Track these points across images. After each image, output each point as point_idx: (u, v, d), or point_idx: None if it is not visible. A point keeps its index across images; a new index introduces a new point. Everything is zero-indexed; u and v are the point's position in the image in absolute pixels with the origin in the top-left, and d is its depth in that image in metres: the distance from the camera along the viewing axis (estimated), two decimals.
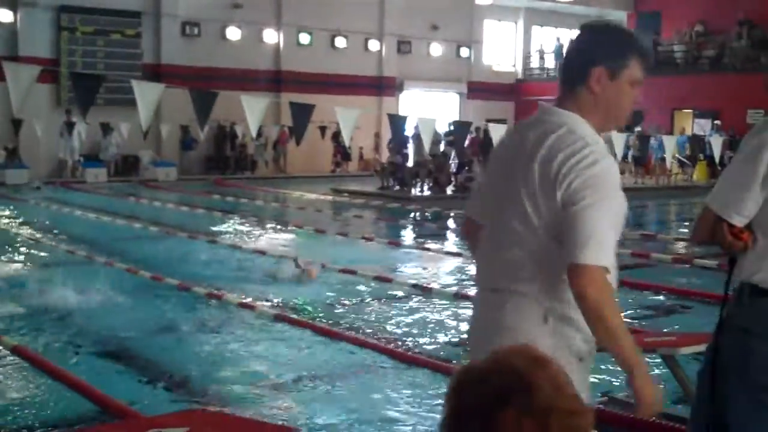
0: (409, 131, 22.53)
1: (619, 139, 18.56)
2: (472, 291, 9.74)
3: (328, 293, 9.73)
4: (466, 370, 1.46)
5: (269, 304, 9.01)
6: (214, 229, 15.58)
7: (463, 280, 10.76)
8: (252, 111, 12.41)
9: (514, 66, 37.17)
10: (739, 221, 2.71)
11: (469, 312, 8.84)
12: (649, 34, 34.11)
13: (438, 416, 4.68)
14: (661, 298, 9.59)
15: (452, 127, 20.11)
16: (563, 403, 1.38)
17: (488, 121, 24.09)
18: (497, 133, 16.45)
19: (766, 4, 29.42)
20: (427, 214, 19.45)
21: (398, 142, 19.52)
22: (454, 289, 10.01)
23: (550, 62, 36.52)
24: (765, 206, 2.67)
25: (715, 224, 2.75)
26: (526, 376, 1.39)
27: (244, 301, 9.02)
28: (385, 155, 26.84)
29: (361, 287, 10.05)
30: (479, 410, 1.38)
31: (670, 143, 19.63)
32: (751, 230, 2.73)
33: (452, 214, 18.78)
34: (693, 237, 2.96)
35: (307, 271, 10.23)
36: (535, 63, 37.37)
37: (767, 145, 2.67)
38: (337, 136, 26.15)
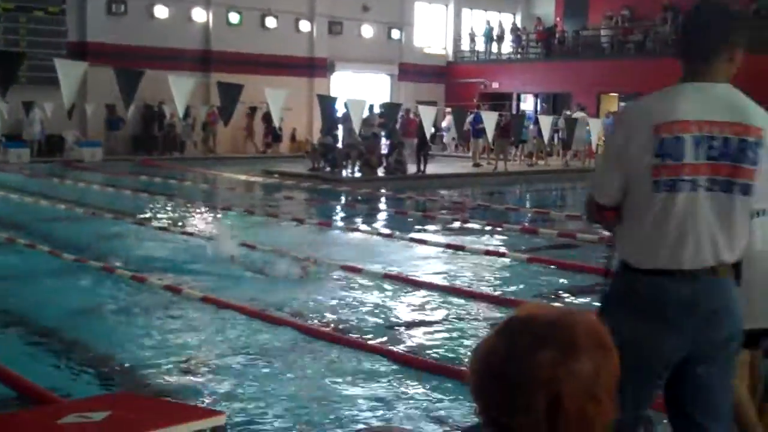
0: (340, 112, 22.48)
1: (546, 121, 18.80)
2: (401, 272, 9.84)
3: (257, 275, 9.66)
4: (532, 314, 1.46)
5: (196, 286, 8.90)
6: (141, 210, 15.32)
7: (391, 261, 10.80)
8: (179, 91, 12.23)
9: (445, 48, 37.31)
10: (604, 200, 2.85)
11: (395, 292, 8.85)
12: (576, 19, 34.64)
13: (370, 396, 4.70)
14: (586, 276, 9.78)
15: (382, 109, 20.11)
16: (592, 387, 1.39)
17: (419, 102, 24.20)
18: (428, 115, 16.57)
19: None
20: (357, 195, 19.45)
21: (328, 123, 19.43)
22: (382, 270, 10.03)
23: (481, 45, 36.77)
24: (627, 187, 2.76)
25: (591, 204, 2.92)
26: (574, 344, 1.39)
27: (169, 283, 8.90)
28: (316, 136, 26.72)
29: (291, 268, 9.99)
30: (524, 341, 1.40)
31: (595, 126, 19.97)
32: (616, 209, 2.84)
33: (383, 196, 18.83)
34: (586, 217, 3.07)
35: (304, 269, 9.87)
36: (465, 46, 37.56)
37: (618, 128, 2.84)
38: (267, 116, 25.92)
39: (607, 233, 3.07)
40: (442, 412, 5.42)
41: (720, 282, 2.75)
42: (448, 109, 26.48)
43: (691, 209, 2.70)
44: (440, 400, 5.62)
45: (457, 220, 15.27)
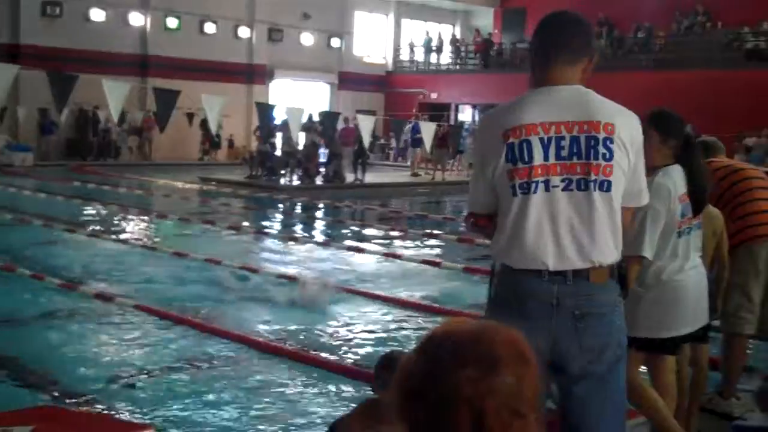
0: (278, 120, 22.37)
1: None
2: (339, 281, 9.79)
3: (192, 284, 9.53)
4: (451, 330, 1.44)
5: (127, 295, 8.73)
6: (73, 217, 15.00)
7: (327, 270, 10.76)
8: (114, 95, 12.05)
9: (385, 58, 37.42)
10: (475, 209, 2.93)
11: (332, 301, 8.78)
12: (514, 31, 35.04)
13: (298, 405, 4.64)
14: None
15: (321, 118, 20.10)
16: (515, 402, 1.37)
17: (358, 112, 24.24)
18: (366, 124, 16.62)
19: (625, 5, 30.66)
20: (296, 203, 19.35)
21: (265, 130, 19.33)
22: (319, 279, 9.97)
23: (420, 55, 36.97)
24: (497, 194, 2.81)
25: (467, 213, 3.01)
26: (494, 358, 1.38)
27: (101, 291, 8.72)
28: (254, 144, 26.52)
29: (226, 277, 9.88)
30: (442, 358, 1.38)
31: None
32: (489, 217, 2.89)
33: (321, 204, 18.78)
34: (468, 228, 3.15)
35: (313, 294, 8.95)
36: (405, 56, 37.72)
37: (476, 139, 2.94)
38: (205, 123, 25.67)
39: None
40: None
41: (590, 286, 2.74)
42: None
43: (548, 210, 2.71)
44: None
45: (394, 229, 15.29)
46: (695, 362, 4.69)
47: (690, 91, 24.77)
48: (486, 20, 37.41)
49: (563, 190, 2.72)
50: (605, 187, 2.72)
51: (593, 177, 2.71)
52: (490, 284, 2.96)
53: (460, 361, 1.37)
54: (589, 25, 2.97)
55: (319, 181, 22.69)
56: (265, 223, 16.14)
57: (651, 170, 3.39)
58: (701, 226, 4.19)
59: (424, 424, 1.38)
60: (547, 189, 2.71)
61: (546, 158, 2.71)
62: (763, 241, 4.88)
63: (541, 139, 2.71)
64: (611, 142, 2.71)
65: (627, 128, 2.77)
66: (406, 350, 3.79)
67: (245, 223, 15.22)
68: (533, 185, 2.71)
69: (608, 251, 2.75)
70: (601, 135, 2.71)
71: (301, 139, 22.78)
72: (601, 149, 2.71)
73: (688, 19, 30.28)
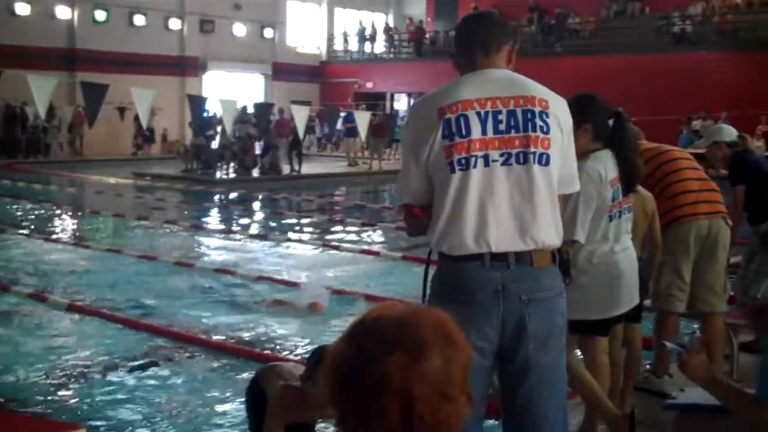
0: (212, 112, 22.13)
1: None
2: (275, 274, 9.74)
3: (128, 280, 9.37)
4: (377, 316, 1.43)
5: (60, 294, 8.56)
6: (3, 216, 14.63)
7: (266, 262, 10.70)
8: (40, 91, 11.78)
9: (319, 48, 37.27)
10: (409, 199, 2.85)
11: (269, 293, 8.73)
12: (446, 19, 35.19)
13: (238, 402, 4.59)
14: None
15: (255, 109, 19.93)
16: (443, 386, 1.37)
17: (294, 102, 24.10)
18: (300, 114, 16.53)
19: None
20: (232, 196, 19.17)
21: (198, 123, 19.08)
22: (258, 272, 9.92)
23: (354, 45, 36.91)
24: (431, 178, 2.76)
25: (401, 206, 2.92)
26: (423, 341, 1.37)
27: (33, 292, 8.53)
28: (189, 137, 26.20)
29: (163, 273, 9.75)
30: (370, 345, 1.37)
31: None
32: (424, 208, 2.83)
33: (258, 197, 18.64)
34: (402, 218, 3.01)
35: (315, 303, 8.29)
36: (339, 45, 37.62)
37: (408, 122, 2.85)
38: (137, 117, 25.26)
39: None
40: None
41: (535, 271, 2.71)
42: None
43: (488, 185, 2.68)
44: None
45: (332, 220, 15.26)
46: (628, 342, 4.77)
47: (621, 76, 25.22)
48: (419, 8, 37.51)
49: (502, 164, 2.68)
50: (544, 160, 2.70)
51: (532, 149, 2.69)
52: (425, 276, 2.89)
53: (387, 347, 1.36)
54: (502, 19, 3.05)
55: (255, 173, 22.52)
56: (201, 217, 15.97)
57: (581, 156, 3.42)
58: (632, 208, 4.26)
59: (355, 413, 1.38)
60: (486, 164, 2.67)
61: (484, 132, 2.68)
62: (691, 219, 4.98)
63: (478, 114, 2.68)
64: (547, 116, 2.72)
65: (560, 108, 2.79)
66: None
67: (181, 218, 15.03)
68: (472, 160, 2.66)
69: (549, 230, 2.73)
70: (537, 108, 2.71)
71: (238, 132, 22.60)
72: (539, 122, 2.70)
73: (617, 5, 30.77)
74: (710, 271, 5.07)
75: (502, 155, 2.68)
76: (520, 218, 2.67)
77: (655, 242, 4.75)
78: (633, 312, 4.43)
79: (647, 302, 4.96)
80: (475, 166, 2.66)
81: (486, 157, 2.67)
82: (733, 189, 5.72)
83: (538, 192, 2.69)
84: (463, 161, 2.66)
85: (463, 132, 2.66)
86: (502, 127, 2.68)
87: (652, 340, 5.29)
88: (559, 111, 2.77)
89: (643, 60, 26.36)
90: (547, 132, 2.71)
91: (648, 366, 5.33)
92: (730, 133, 6.07)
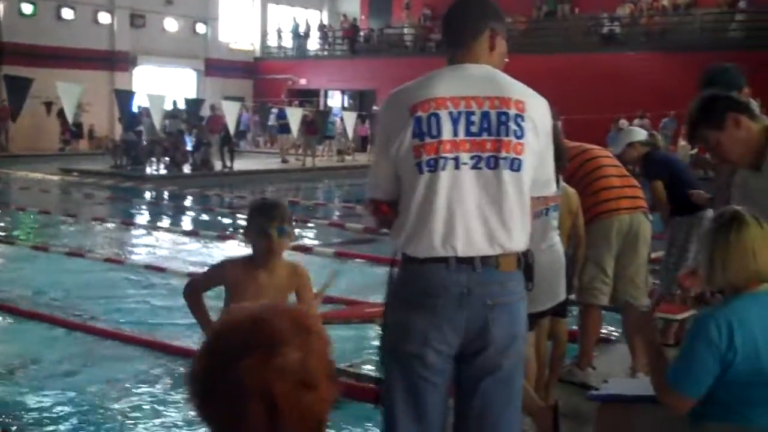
0: (143, 107, 21.80)
1: (350, 117, 18.96)
2: (204, 269, 9.64)
3: (53, 278, 9.19)
4: (229, 318, 1.44)
5: None
6: None
7: (197, 259, 10.59)
8: None
9: (252, 44, 36.99)
10: (377, 195, 2.78)
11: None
12: (381, 17, 35.28)
13: (157, 395, 4.54)
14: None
15: (186, 105, 19.70)
16: (303, 377, 1.38)
17: (227, 98, 23.87)
18: (231, 111, 16.38)
19: None
20: (163, 193, 18.92)
21: (127, 118, 18.79)
22: (189, 268, 9.81)
23: (288, 41, 36.73)
24: (399, 176, 2.69)
25: (368, 201, 2.85)
26: (278, 337, 1.38)
27: None
28: (118, 132, 25.76)
29: (91, 270, 9.59)
30: (225, 350, 1.38)
31: None
32: (392, 204, 2.76)
33: (189, 193, 18.43)
34: (370, 214, 2.95)
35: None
36: (273, 42, 37.39)
37: (380, 117, 2.78)
38: (63, 112, 24.74)
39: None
40: None
41: (500, 274, 2.64)
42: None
43: (456, 188, 2.59)
44: None
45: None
46: (554, 336, 4.85)
47: (551, 76, 25.56)
48: (353, 6, 37.48)
49: (472, 168, 2.59)
50: (516, 166, 2.60)
51: (504, 154, 2.59)
52: (390, 277, 2.80)
53: (239, 351, 1.37)
54: (485, 2, 2.86)
55: (186, 169, 22.25)
56: (130, 214, 15.71)
57: None
58: (558, 207, 4.35)
59: (220, 422, 1.39)
60: (456, 167, 2.58)
61: (455, 134, 2.58)
62: (613, 214, 5.11)
63: (451, 114, 2.59)
64: (522, 119, 2.61)
65: (538, 110, 2.68)
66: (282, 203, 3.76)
67: (110, 215, 14.78)
68: (441, 162, 2.57)
69: (517, 236, 2.65)
70: (512, 111, 2.61)
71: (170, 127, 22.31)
72: (513, 126, 2.60)
73: (547, 5, 31.22)
74: (632, 264, 5.20)
75: (472, 158, 2.59)
76: (488, 223, 2.60)
77: (579, 238, 4.85)
78: (559, 306, 4.52)
79: (573, 297, 5.06)
80: (444, 168, 2.58)
81: (456, 160, 2.58)
82: (651, 185, 5.89)
83: (508, 197, 2.60)
84: (432, 162, 2.58)
85: (434, 132, 2.58)
86: (474, 129, 2.59)
87: (576, 333, 5.40)
88: (536, 113, 2.67)
89: (572, 60, 26.81)
90: (521, 137, 2.61)
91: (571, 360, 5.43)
92: (640, 133, 6.33)
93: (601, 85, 25.55)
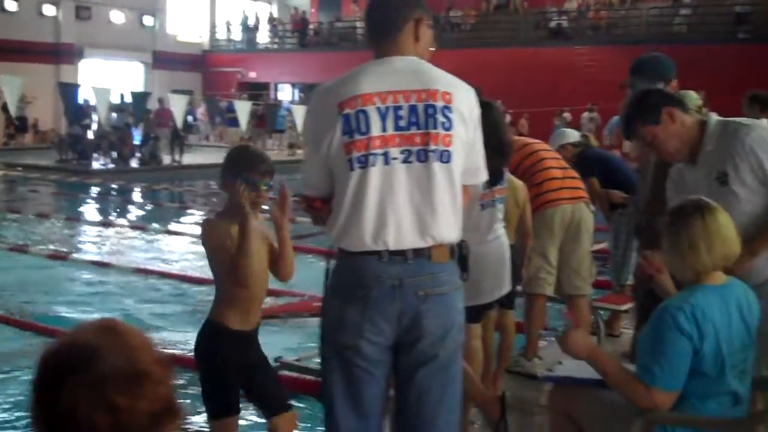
0: (90, 101, 21.46)
1: (300, 110, 18.86)
2: (153, 265, 9.56)
3: None
4: (42, 357, 1.41)
5: None
6: None
7: (144, 255, 10.48)
8: None
9: (201, 37, 36.61)
10: (310, 191, 2.77)
11: (148, 287, 8.55)
12: (330, 10, 35.19)
13: None
14: None
15: (132, 98, 19.44)
16: (129, 369, 1.37)
17: (175, 92, 23.61)
18: (179, 104, 16.19)
19: None
20: (110, 187, 18.65)
21: (72, 112, 18.46)
22: (136, 264, 9.71)
23: (237, 34, 36.44)
24: (332, 173, 2.67)
25: (302, 197, 2.84)
26: (89, 349, 1.37)
27: None
28: (64, 126, 25.32)
29: (33, 266, 9.42)
30: (44, 385, 1.36)
31: None
32: (325, 200, 2.74)
33: (137, 188, 18.21)
34: (304, 209, 2.92)
35: None
36: (222, 35, 37.06)
37: (308, 113, 2.75)
38: (6, 106, 24.23)
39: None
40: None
41: (432, 266, 2.64)
42: None
43: (388, 183, 2.59)
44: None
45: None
46: (501, 327, 4.89)
47: (500, 69, 25.75)
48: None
49: (403, 162, 2.59)
50: (445, 158, 2.61)
51: (433, 147, 2.59)
52: (326, 270, 2.80)
53: (62, 377, 1.35)
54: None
55: (134, 164, 21.96)
56: (76, 209, 15.47)
57: None
58: (504, 198, 4.38)
59: None
60: (386, 162, 2.58)
61: (384, 129, 2.58)
62: (555, 204, 5.18)
63: (378, 109, 2.58)
64: (450, 111, 2.61)
65: (465, 100, 2.68)
66: None
67: (55, 210, 14.54)
68: (372, 158, 2.57)
69: (449, 227, 2.65)
70: (439, 103, 2.60)
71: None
72: (440, 118, 2.60)
73: None
74: (575, 254, 5.27)
75: (402, 153, 2.59)
76: (420, 217, 2.60)
77: (525, 230, 4.89)
78: (506, 298, 4.56)
79: (520, 288, 5.10)
80: (374, 164, 2.58)
81: (386, 155, 2.58)
82: (587, 182, 5.97)
83: (439, 190, 2.61)
84: (363, 159, 2.58)
85: (363, 129, 2.57)
86: (402, 123, 2.59)
87: (523, 324, 5.44)
88: (464, 103, 2.67)
89: (521, 54, 27.01)
90: (449, 128, 2.61)
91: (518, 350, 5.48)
92: (572, 134, 6.51)
93: (550, 79, 25.79)
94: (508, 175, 4.47)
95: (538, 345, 5.46)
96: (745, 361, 2.75)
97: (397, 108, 2.60)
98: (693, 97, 6.63)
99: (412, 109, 2.60)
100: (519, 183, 4.77)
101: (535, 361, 5.32)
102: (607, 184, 6.02)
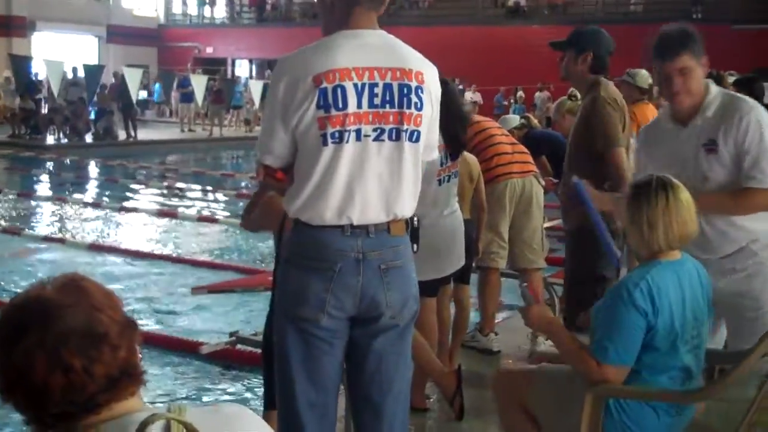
0: (42, 75, 21.09)
1: (257, 86, 18.72)
2: (109, 241, 9.47)
3: None
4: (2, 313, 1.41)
5: None
6: None
7: (99, 230, 10.36)
8: None
9: (156, 11, 36.10)
10: (271, 161, 2.68)
11: (101, 263, 8.45)
12: None
13: None
14: None
15: (85, 72, 19.12)
16: (87, 330, 1.36)
17: (129, 66, 23.28)
18: (133, 78, 15.94)
19: None
20: (64, 163, 18.36)
21: (23, 85, 18.12)
22: (90, 239, 9.60)
23: (194, 8, 36.00)
24: (297, 143, 2.62)
25: (260, 167, 2.73)
26: (49, 307, 1.36)
27: None
28: (16, 100, 24.84)
29: None
30: (2, 340, 1.36)
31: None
32: (286, 170, 2.69)
33: (92, 163, 17.96)
34: (258, 182, 2.89)
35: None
36: (177, 9, 36.57)
37: (277, 82, 2.63)
38: None
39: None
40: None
41: (392, 239, 2.66)
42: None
43: (359, 160, 2.57)
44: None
45: (170, 187, 14.92)
46: (457, 302, 4.93)
47: (458, 48, 25.77)
48: None
49: (374, 140, 2.57)
50: (415, 137, 2.62)
51: (405, 126, 2.59)
52: (278, 242, 2.78)
53: (18, 333, 1.36)
54: None
55: (89, 139, 21.63)
56: (29, 184, 15.24)
57: None
58: (458, 174, 4.40)
59: (30, 410, 1.39)
60: (358, 138, 2.55)
61: (359, 105, 2.54)
62: (506, 178, 5.23)
63: (355, 85, 2.53)
64: (422, 91, 2.61)
65: (434, 80, 2.69)
66: None
67: (7, 185, 14.30)
68: (346, 134, 2.53)
69: (409, 204, 2.68)
70: (414, 83, 2.60)
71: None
72: (414, 98, 2.59)
73: None
74: (527, 227, 5.31)
75: (375, 130, 2.57)
76: (387, 194, 2.61)
77: (480, 205, 4.92)
78: (461, 272, 4.59)
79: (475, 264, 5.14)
80: (347, 141, 2.54)
81: (359, 132, 2.55)
82: (537, 162, 6.03)
83: (407, 169, 2.62)
84: (337, 135, 2.53)
85: (340, 105, 2.52)
86: (377, 101, 2.56)
87: (478, 299, 5.48)
88: (433, 83, 2.67)
89: (479, 32, 27.05)
90: (421, 108, 2.61)
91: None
92: (512, 119, 6.72)
93: (508, 58, 25.88)
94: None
95: (494, 320, 5.51)
96: (698, 336, 2.79)
97: (373, 85, 2.57)
98: (644, 76, 6.77)
99: (387, 87, 2.58)
100: (472, 158, 4.81)
101: (491, 336, 5.37)
102: (556, 161, 6.09)
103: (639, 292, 2.66)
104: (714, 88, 3.24)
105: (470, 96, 24.22)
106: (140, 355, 1.46)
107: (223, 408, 1.54)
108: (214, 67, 32.45)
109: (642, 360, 2.71)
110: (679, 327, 2.70)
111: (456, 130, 4.17)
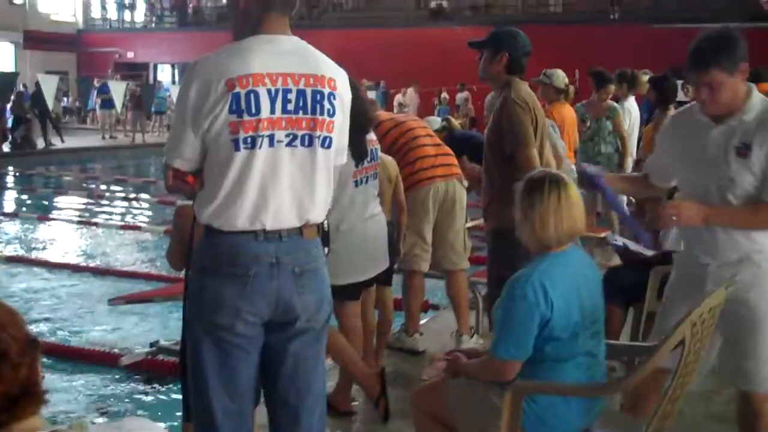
0: None
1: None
2: (27, 253, 9.22)
3: None
4: None
5: None
6: None
7: (15, 242, 10.10)
8: None
9: (75, 16, 35.35)
10: (180, 165, 2.65)
11: (17, 275, 8.26)
12: None
13: None
14: None
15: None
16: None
17: (48, 73, 22.75)
18: (49, 85, 15.57)
19: None
20: None
21: None
22: (7, 252, 9.34)
23: (113, 13, 35.36)
24: (207, 147, 2.59)
25: (168, 170, 2.69)
26: None
27: None
28: None
29: None
30: None
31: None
32: (196, 174, 2.66)
33: (9, 172, 17.50)
34: (166, 187, 2.79)
35: None
36: (96, 13, 35.89)
37: (190, 84, 2.59)
38: None
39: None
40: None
41: (305, 243, 2.67)
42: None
43: (272, 166, 2.57)
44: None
45: (92, 195, 14.61)
46: (381, 304, 4.92)
47: (381, 50, 25.87)
48: None
49: (287, 145, 2.57)
50: (327, 143, 2.64)
51: (318, 133, 2.61)
52: (189, 251, 2.76)
53: None
54: None
55: (5, 148, 21.03)
56: None
57: None
58: (377, 175, 4.40)
59: None
60: (271, 144, 2.55)
61: (272, 111, 2.54)
62: (429, 183, 5.24)
63: (269, 91, 2.54)
64: (334, 98, 2.64)
65: (345, 87, 2.72)
66: None
67: None
68: (259, 140, 2.53)
69: (322, 210, 2.70)
70: (326, 90, 2.62)
71: None
72: (327, 105, 2.62)
73: None
74: (450, 230, 5.33)
75: (287, 136, 2.57)
76: (300, 200, 2.62)
77: (400, 206, 4.92)
78: (384, 275, 4.59)
79: (397, 266, 5.14)
80: (260, 147, 2.54)
81: (272, 138, 2.55)
82: (459, 162, 6.08)
83: (319, 175, 2.64)
84: (249, 140, 2.52)
85: (253, 110, 2.51)
86: (290, 107, 2.57)
87: (402, 300, 5.49)
88: (344, 90, 2.71)
89: (403, 34, 27.16)
90: (333, 115, 2.64)
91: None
92: (434, 121, 6.68)
93: (431, 59, 26.03)
94: (379, 153, 4.49)
95: (419, 321, 5.53)
96: (596, 322, 2.86)
97: (287, 91, 2.57)
98: (560, 76, 6.86)
99: (301, 93, 2.59)
100: (389, 159, 4.81)
101: (416, 337, 5.38)
102: (477, 161, 6.14)
103: (530, 287, 2.73)
104: (757, 93, 3.16)
105: (399, 98, 24.38)
106: (43, 375, 1.42)
107: (126, 423, 1.51)
108: (135, 72, 31.93)
109: (545, 350, 2.77)
110: (578, 315, 2.77)
111: (360, 132, 4.11)
